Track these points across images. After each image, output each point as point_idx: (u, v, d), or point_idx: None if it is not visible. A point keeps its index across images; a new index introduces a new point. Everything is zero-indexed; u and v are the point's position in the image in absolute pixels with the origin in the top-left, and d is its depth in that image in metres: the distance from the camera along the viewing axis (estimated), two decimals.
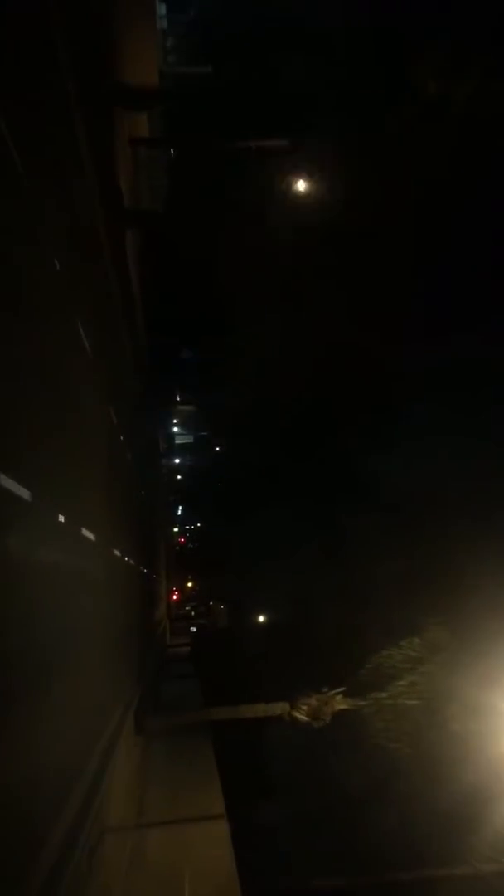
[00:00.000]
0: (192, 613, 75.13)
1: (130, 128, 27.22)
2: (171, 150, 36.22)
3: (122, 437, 14.03)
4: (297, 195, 28.58)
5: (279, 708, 14.01)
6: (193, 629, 50.81)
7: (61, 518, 6.97)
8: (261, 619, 42.71)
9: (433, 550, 16.89)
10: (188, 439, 73.69)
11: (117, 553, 12.24)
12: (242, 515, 45.44)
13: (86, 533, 8.99)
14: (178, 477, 75.53)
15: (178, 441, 74.31)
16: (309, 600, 31.02)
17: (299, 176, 27.77)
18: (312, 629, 24.27)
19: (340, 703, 13.89)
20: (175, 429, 70.86)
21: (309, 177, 27.67)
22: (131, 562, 15.83)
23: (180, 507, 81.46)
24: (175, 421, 68.49)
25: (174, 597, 78.83)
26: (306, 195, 28.39)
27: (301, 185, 27.82)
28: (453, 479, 21.79)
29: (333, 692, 14.07)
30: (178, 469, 75.12)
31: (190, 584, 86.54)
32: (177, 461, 74.57)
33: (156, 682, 18.78)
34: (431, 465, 24.65)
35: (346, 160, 27.64)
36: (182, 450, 74.56)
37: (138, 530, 20.02)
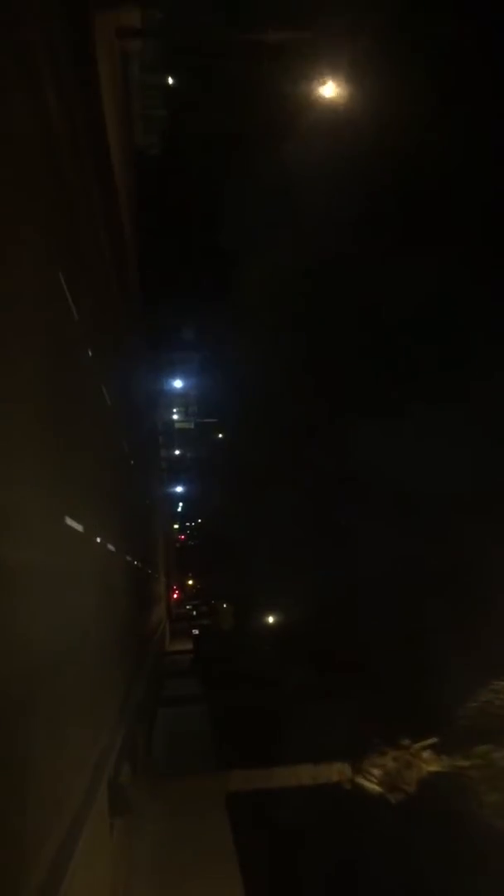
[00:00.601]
0: (194, 613, 70.70)
1: (119, 19, 22.09)
2: (170, 79, 31.33)
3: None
4: (321, 105, 23.58)
5: (336, 771, 9.05)
6: (196, 632, 45.88)
7: None
8: (270, 620, 38.47)
9: None
10: (188, 425, 69.97)
11: (76, 527, 7.37)
12: (250, 501, 41.10)
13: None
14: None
15: (177, 427, 70.33)
16: (334, 599, 26.31)
17: (323, 80, 22.78)
18: (350, 638, 19.41)
19: (430, 764, 8.91)
20: (175, 416, 67.35)
21: (336, 80, 22.67)
22: (110, 547, 10.92)
23: (180, 504, 78.39)
24: (175, 409, 65.42)
25: (174, 595, 74.81)
26: (332, 104, 23.36)
27: (327, 90, 22.75)
28: None
29: (418, 746, 9.11)
30: (178, 460, 71.63)
31: (191, 582, 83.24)
32: (177, 452, 70.85)
33: (149, 712, 13.79)
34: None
35: (381, 58, 22.63)
36: (182, 438, 70.76)
37: (125, 509, 15.11)
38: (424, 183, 27.22)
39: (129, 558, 14.97)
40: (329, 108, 23.67)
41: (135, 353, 17.94)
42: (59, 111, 8.06)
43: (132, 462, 17.20)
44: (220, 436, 63.77)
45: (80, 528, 7.54)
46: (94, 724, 8.51)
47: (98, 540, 9.24)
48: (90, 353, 8.96)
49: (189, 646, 39.87)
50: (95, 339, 9.52)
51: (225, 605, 53.71)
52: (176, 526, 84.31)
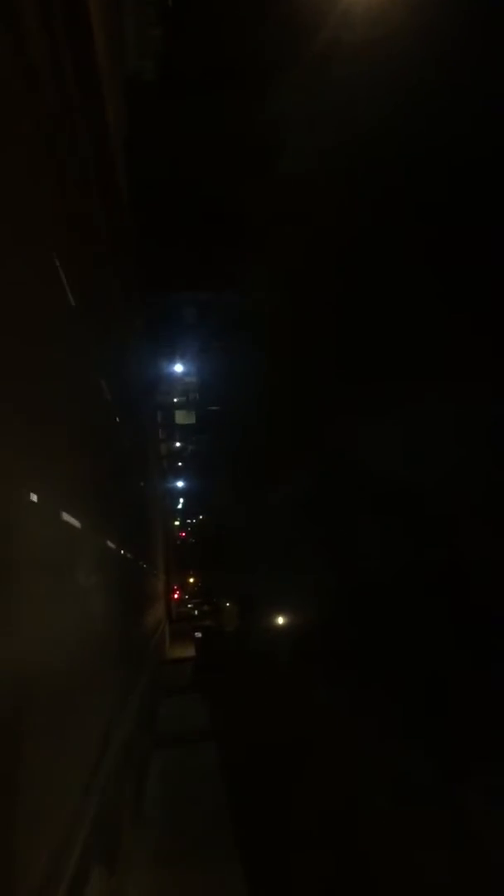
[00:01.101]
0: (195, 612, 67.70)
1: None
2: None
3: None
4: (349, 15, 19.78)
5: None
6: (198, 634, 42.33)
7: None
8: (280, 621, 35.07)
9: None
10: (190, 420, 67.47)
11: (17, 491, 3.71)
12: (254, 495, 38.00)
13: None
14: (180, 463, 70.18)
15: (177, 416, 67.90)
16: (352, 598, 22.77)
17: None
18: (383, 645, 15.70)
19: None
20: (175, 403, 64.53)
21: None
22: (80, 525, 7.25)
23: (181, 501, 75.96)
24: (175, 400, 62.81)
25: (175, 595, 71.83)
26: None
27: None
28: None
29: None
30: (179, 452, 69.38)
31: (192, 580, 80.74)
32: (178, 444, 68.44)
33: (140, 766, 9.94)
34: None
35: None
36: (182, 428, 68.31)
37: (113, 483, 11.46)
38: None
39: (111, 545, 11.30)
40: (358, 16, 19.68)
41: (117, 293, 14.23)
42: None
43: (123, 431, 13.51)
44: (223, 427, 60.71)
45: (33, 498, 3.88)
46: (36, 813, 4.88)
47: (63, 516, 5.59)
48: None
49: (192, 652, 36.27)
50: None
51: (228, 605, 50.74)
52: (177, 523, 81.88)
